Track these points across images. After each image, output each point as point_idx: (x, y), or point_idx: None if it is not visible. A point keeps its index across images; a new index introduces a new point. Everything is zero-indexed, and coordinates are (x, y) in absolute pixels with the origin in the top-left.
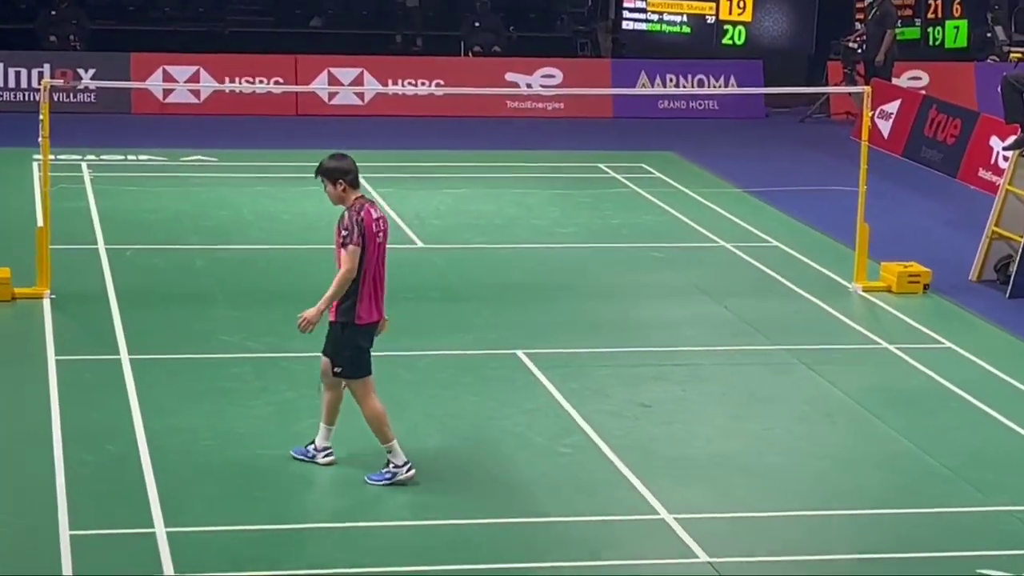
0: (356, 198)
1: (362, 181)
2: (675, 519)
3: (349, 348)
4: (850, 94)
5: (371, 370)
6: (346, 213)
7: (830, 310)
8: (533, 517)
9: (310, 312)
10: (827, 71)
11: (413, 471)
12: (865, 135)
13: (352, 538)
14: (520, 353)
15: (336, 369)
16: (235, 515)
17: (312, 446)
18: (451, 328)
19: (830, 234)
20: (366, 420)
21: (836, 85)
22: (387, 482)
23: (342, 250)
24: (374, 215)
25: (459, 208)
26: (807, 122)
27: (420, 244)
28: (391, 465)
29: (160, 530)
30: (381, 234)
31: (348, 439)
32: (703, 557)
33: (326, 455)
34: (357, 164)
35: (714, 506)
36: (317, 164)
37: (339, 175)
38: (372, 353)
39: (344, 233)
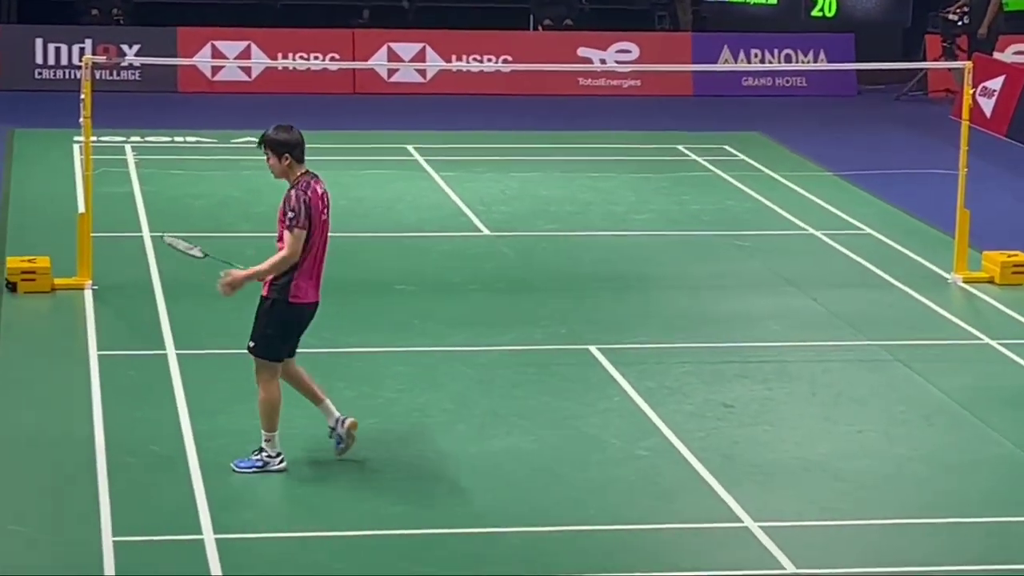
0: (301, 174)
1: (425, 166)
2: (760, 527)
3: (272, 326)
4: (950, 70)
5: (286, 356)
6: (293, 192)
7: (927, 302)
8: (608, 524)
9: (238, 274)
10: (925, 45)
11: (285, 464)
12: (966, 114)
13: (411, 545)
14: (593, 349)
15: (250, 343)
16: (288, 521)
17: (265, 453)
18: (519, 322)
19: (927, 220)
20: (259, 402)
21: (935, 60)
22: (256, 470)
23: (287, 232)
24: (319, 191)
25: (528, 193)
26: (903, 100)
27: (486, 232)
28: (264, 453)
29: (208, 536)
30: (326, 211)
31: (408, 441)
32: (790, 568)
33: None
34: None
35: (802, 513)
36: (261, 135)
37: (285, 148)
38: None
39: (291, 215)
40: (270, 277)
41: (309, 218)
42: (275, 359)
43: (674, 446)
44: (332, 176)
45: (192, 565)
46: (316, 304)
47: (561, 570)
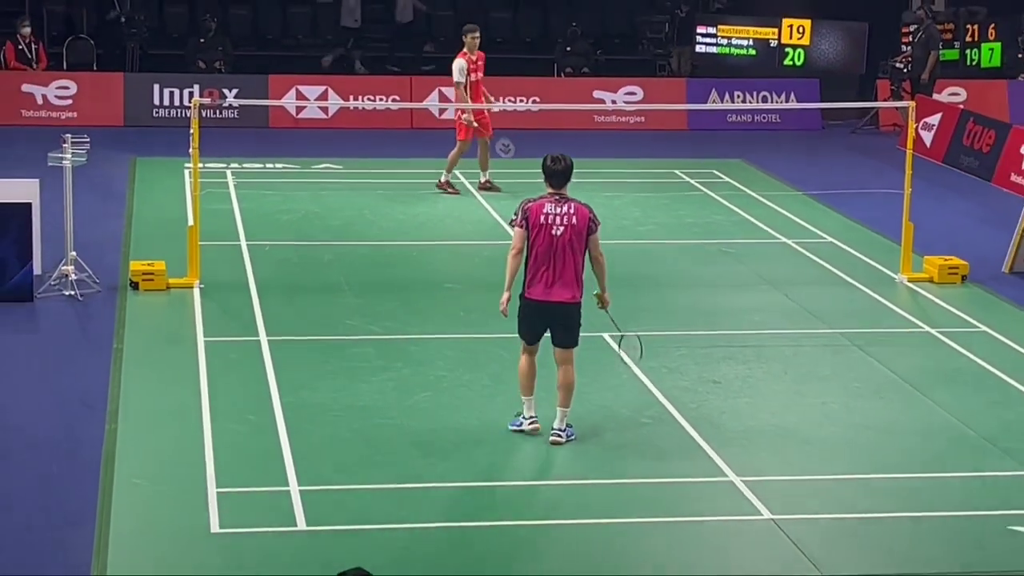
0: (547, 192)
1: (470, 188)
2: (742, 481)
3: (519, 314)
4: (897, 108)
5: (531, 342)
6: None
7: (879, 298)
8: (619, 479)
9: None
10: (877, 88)
11: (536, 425)
12: (910, 144)
13: (461, 496)
14: (606, 336)
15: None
16: (359, 476)
17: (521, 416)
18: None
19: (879, 231)
20: None
21: (884, 100)
22: (516, 428)
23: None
24: (547, 209)
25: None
26: (858, 133)
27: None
28: (520, 416)
29: (294, 488)
30: (560, 228)
31: (455, 411)
32: (767, 515)
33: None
34: (570, 166)
35: (777, 470)
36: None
37: (543, 173)
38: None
39: (513, 216)
40: None
41: (526, 220)
42: (522, 339)
43: (672, 415)
44: (394, 195)
45: (281, 511)
46: (545, 304)
47: (578, 516)
